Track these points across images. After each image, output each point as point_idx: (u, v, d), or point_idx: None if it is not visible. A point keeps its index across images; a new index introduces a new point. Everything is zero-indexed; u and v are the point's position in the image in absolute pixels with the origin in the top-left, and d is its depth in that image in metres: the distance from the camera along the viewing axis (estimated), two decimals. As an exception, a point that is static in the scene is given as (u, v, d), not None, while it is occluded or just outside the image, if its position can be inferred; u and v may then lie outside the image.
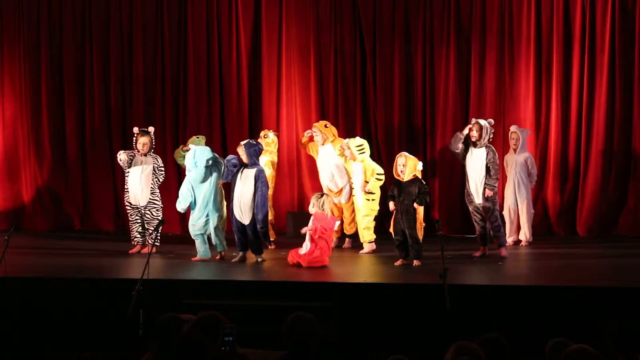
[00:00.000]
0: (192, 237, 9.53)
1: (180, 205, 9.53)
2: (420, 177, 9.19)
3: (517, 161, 10.41)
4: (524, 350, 5.25)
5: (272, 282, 8.46)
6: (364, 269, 9.22)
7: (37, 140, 12.18)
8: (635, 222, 11.04)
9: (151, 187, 9.85)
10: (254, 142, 9.44)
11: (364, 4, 11.54)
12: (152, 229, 9.68)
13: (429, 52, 11.48)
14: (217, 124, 11.90)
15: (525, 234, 10.48)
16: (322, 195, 9.32)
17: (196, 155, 9.44)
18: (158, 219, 9.66)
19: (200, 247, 9.49)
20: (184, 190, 9.47)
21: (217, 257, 9.53)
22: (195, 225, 9.46)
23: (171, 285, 8.28)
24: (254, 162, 9.26)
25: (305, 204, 11.59)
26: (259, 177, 9.21)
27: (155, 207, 9.87)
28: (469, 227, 11.13)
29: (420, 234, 9.06)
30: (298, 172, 11.84)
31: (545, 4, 11.19)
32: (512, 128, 10.55)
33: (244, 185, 9.19)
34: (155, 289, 7.54)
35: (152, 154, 9.94)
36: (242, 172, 9.24)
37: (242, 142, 9.42)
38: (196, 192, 9.45)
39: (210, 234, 9.50)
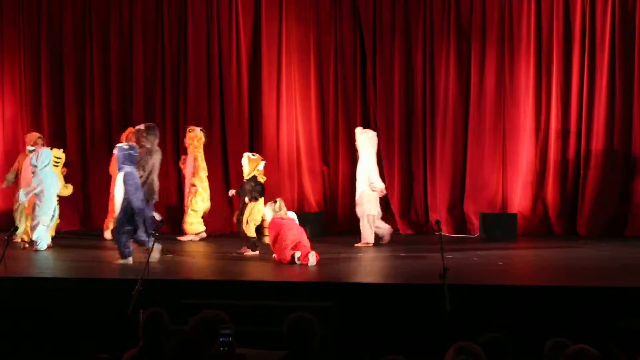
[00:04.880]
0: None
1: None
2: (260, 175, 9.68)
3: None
4: (524, 350, 5.24)
5: (272, 282, 8.45)
6: (364, 269, 9.22)
7: (37, 140, 12.18)
8: (635, 222, 11.05)
9: None
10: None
11: (364, 3, 11.54)
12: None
13: (429, 52, 11.49)
14: (217, 123, 11.90)
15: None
16: (275, 201, 9.34)
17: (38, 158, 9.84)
18: None
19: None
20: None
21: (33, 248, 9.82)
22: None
23: (171, 285, 8.27)
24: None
25: (305, 204, 11.59)
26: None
27: None
28: (469, 227, 11.14)
29: (247, 230, 9.55)
30: (298, 173, 11.83)
31: (545, 4, 11.20)
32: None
33: None
34: (155, 289, 7.52)
35: None
36: None
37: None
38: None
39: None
